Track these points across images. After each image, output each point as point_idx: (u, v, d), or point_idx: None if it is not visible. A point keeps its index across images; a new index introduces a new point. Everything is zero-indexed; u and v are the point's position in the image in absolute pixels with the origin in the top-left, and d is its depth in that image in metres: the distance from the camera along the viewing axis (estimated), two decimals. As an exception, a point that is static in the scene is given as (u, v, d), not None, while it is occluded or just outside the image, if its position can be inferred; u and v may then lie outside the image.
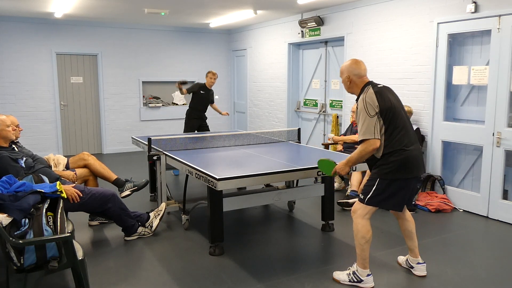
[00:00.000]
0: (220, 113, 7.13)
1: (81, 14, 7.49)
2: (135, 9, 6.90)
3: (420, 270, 3.29)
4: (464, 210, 4.92)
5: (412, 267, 3.33)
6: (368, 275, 3.08)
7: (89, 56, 8.57)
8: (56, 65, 8.22)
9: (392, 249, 3.78)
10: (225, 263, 3.53)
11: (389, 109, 2.89)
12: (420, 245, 3.87)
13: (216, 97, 7.34)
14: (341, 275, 3.16)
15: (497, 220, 4.59)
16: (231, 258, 3.62)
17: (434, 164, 5.22)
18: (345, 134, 5.82)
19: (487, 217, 4.69)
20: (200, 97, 6.76)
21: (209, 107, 6.98)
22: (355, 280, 3.08)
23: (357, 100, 3.03)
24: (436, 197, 4.97)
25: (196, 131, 6.78)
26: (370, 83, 3.04)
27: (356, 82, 3.06)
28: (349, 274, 3.12)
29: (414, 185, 3.11)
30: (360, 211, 3.03)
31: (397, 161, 2.89)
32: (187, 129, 6.83)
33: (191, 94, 6.78)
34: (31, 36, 7.97)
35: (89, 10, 7.02)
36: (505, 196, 4.59)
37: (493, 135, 4.57)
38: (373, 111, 2.86)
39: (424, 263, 3.31)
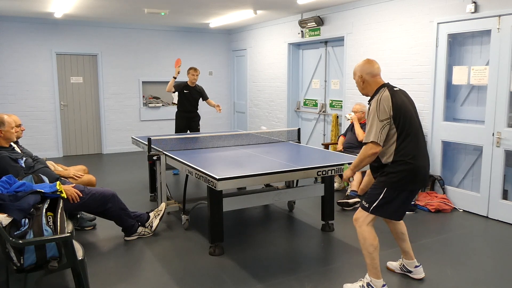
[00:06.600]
0: (214, 106, 6.62)
1: (81, 14, 7.49)
2: (135, 9, 6.90)
3: (419, 273, 3.21)
4: (464, 210, 4.92)
5: (410, 271, 3.23)
6: (383, 285, 2.91)
7: (89, 56, 8.57)
8: (56, 65, 8.22)
9: (392, 249, 3.77)
10: (225, 263, 3.53)
11: (404, 116, 2.78)
12: (420, 245, 3.88)
13: (263, 127, 6.47)
14: None
15: (497, 220, 4.59)
16: (231, 258, 3.62)
17: (434, 164, 5.21)
18: (345, 135, 5.82)
19: (487, 217, 4.69)
20: (185, 97, 6.68)
21: (205, 104, 6.85)
22: None
23: (369, 101, 2.90)
24: (436, 197, 4.97)
25: (188, 131, 6.65)
26: (386, 85, 2.90)
27: (369, 81, 2.94)
28: (363, 286, 2.93)
29: (416, 194, 3.13)
30: (363, 219, 2.92)
31: (406, 170, 2.79)
32: (177, 130, 6.75)
33: (177, 93, 6.72)
34: (31, 36, 7.97)
35: (89, 10, 7.02)
36: (505, 196, 4.59)
37: (493, 135, 4.57)
38: (385, 115, 2.74)
39: (420, 265, 3.24)
